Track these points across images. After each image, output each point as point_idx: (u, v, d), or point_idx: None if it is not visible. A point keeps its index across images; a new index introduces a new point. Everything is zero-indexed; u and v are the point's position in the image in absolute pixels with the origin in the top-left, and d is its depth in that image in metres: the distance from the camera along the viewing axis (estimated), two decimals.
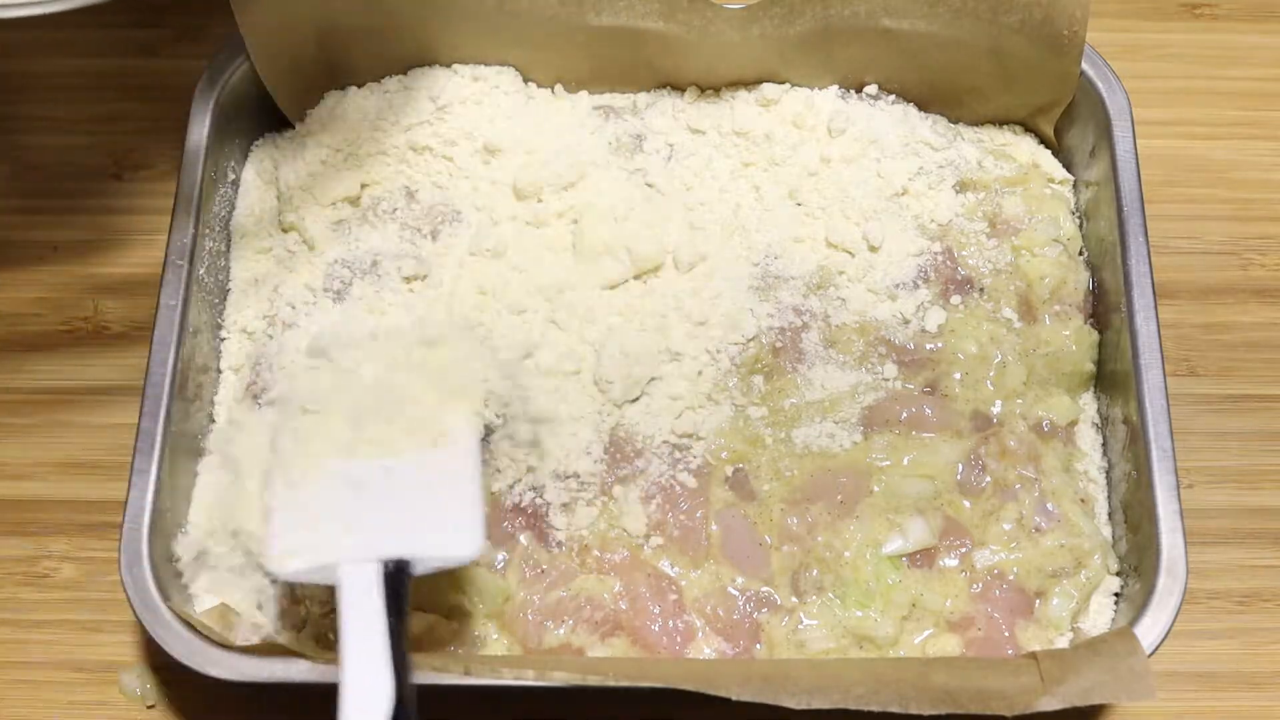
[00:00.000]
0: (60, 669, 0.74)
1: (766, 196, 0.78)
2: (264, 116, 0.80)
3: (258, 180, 0.80)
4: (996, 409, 0.73)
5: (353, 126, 0.78)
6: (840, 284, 0.76)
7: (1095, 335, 0.75)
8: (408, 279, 0.75)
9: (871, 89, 0.81)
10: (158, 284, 0.71)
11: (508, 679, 0.61)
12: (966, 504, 0.71)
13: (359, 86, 0.80)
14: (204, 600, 0.69)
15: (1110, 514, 0.72)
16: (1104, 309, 0.75)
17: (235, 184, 0.79)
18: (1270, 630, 0.75)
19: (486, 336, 0.73)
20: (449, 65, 0.80)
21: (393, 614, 0.57)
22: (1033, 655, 0.63)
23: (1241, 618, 0.75)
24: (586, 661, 0.65)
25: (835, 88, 0.81)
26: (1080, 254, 0.78)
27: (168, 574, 0.67)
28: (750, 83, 0.80)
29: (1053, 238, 0.77)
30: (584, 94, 0.81)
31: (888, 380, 0.73)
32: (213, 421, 0.74)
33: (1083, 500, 0.71)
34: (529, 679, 0.61)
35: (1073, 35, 0.74)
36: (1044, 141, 0.81)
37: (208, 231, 0.75)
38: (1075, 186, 0.80)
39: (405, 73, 0.80)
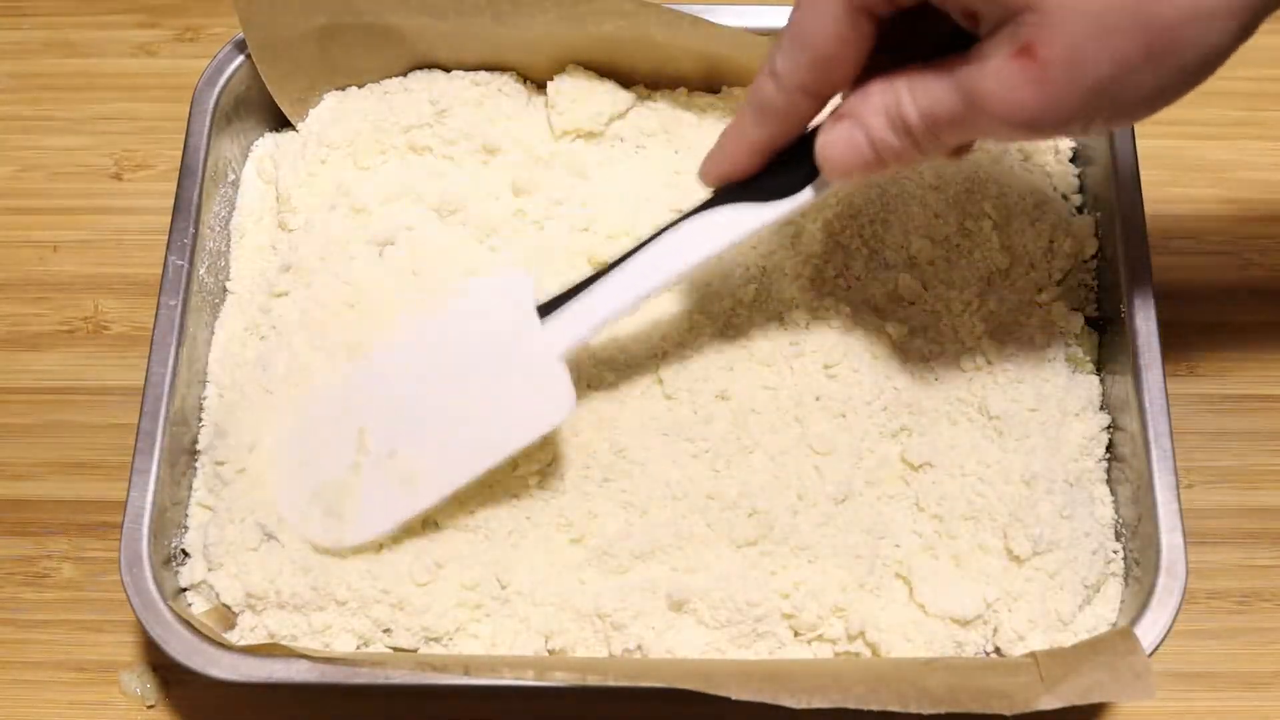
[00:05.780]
0: (60, 669, 0.74)
1: None
2: (264, 116, 0.80)
3: (258, 180, 0.80)
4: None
5: (353, 127, 0.78)
6: None
7: (1095, 335, 0.75)
8: None
9: None
10: (158, 284, 0.72)
11: (508, 679, 0.61)
12: None
13: (359, 87, 0.80)
14: (213, 587, 0.68)
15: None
16: (1104, 309, 0.75)
17: (235, 184, 0.79)
18: (1270, 630, 0.75)
19: None
20: (449, 70, 0.80)
21: None
22: (1032, 654, 0.63)
23: (1241, 618, 0.75)
24: (586, 661, 0.65)
25: None
26: None
27: (167, 574, 0.67)
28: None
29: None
30: None
31: None
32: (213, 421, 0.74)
33: None
34: (529, 679, 0.61)
35: None
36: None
37: (208, 231, 0.75)
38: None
39: (405, 74, 0.80)
